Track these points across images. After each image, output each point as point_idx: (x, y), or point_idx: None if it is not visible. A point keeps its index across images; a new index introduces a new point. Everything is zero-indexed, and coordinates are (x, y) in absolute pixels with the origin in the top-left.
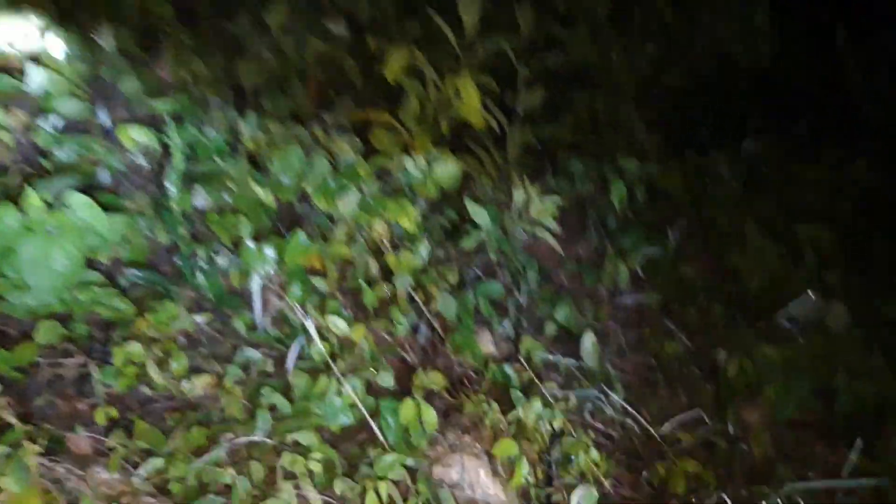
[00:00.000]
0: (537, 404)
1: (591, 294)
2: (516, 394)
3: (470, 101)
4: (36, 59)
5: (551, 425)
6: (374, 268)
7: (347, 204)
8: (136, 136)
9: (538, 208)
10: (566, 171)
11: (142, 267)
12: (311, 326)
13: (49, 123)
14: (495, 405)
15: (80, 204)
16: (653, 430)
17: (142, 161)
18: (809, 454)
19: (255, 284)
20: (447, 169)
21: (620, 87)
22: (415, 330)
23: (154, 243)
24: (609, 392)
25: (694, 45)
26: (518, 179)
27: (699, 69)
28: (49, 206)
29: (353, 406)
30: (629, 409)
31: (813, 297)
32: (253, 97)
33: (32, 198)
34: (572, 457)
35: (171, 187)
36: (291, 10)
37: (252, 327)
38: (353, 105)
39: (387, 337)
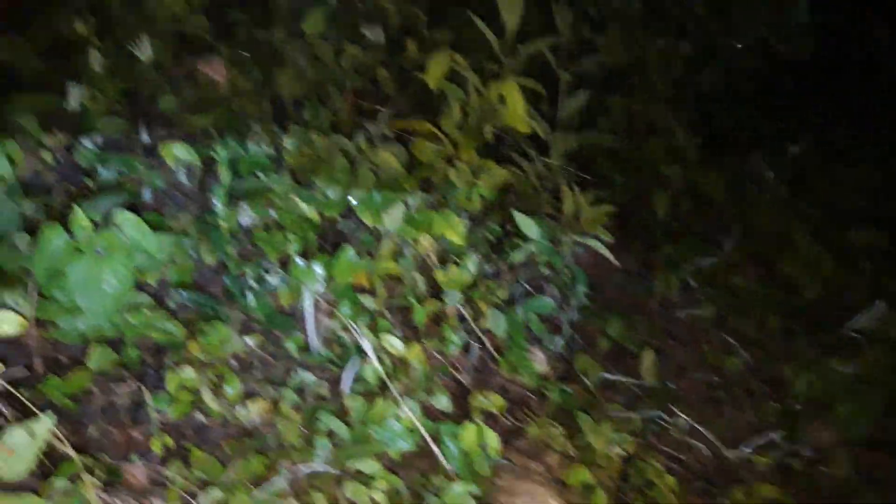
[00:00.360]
0: (606, 427)
1: (641, 308)
2: (582, 416)
3: (515, 106)
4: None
5: (623, 449)
6: (421, 284)
7: (393, 218)
8: (179, 153)
9: (589, 217)
10: (607, 178)
11: (188, 288)
12: (368, 347)
13: (90, 142)
14: (560, 428)
15: (129, 223)
16: (725, 453)
17: (184, 178)
18: (891, 476)
19: (307, 303)
20: (492, 179)
21: (656, 90)
22: (466, 349)
23: (199, 263)
24: (674, 412)
25: (731, 43)
26: (567, 187)
27: (737, 67)
28: (96, 225)
29: (412, 430)
30: (699, 429)
31: (881, 306)
32: (293, 109)
33: (80, 218)
34: (647, 483)
35: (218, 204)
36: (328, 17)
37: (304, 348)
38: (394, 114)
39: (438, 356)
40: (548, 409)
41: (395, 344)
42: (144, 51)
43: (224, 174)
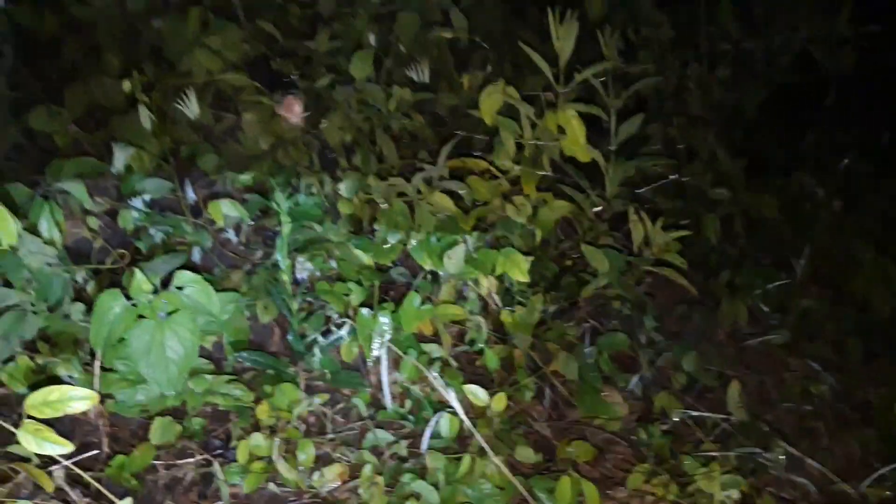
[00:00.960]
0: (716, 471)
1: (710, 337)
2: (687, 460)
3: (574, 135)
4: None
5: (739, 492)
6: (486, 328)
7: (454, 260)
8: (227, 210)
9: (661, 244)
10: (654, 205)
11: (246, 347)
12: (452, 398)
13: (137, 203)
14: (664, 475)
15: (192, 283)
16: (834, 487)
17: (231, 236)
18: None
19: (376, 356)
20: (552, 212)
21: (695, 114)
22: (539, 394)
23: (254, 321)
24: (771, 447)
25: (770, 60)
26: (635, 214)
27: (778, 84)
28: (155, 289)
29: (503, 488)
30: (802, 464)
31: None
32: (342, 155)
33: (141, 281)
34: None
35: (281, 259)
36: (373, 60)
37: (373, 404)
38: (448, 153)
39: (511, 404)
40: (640, 454)
41: (478, 393)
42: (191, 108)
43: (286, 227)
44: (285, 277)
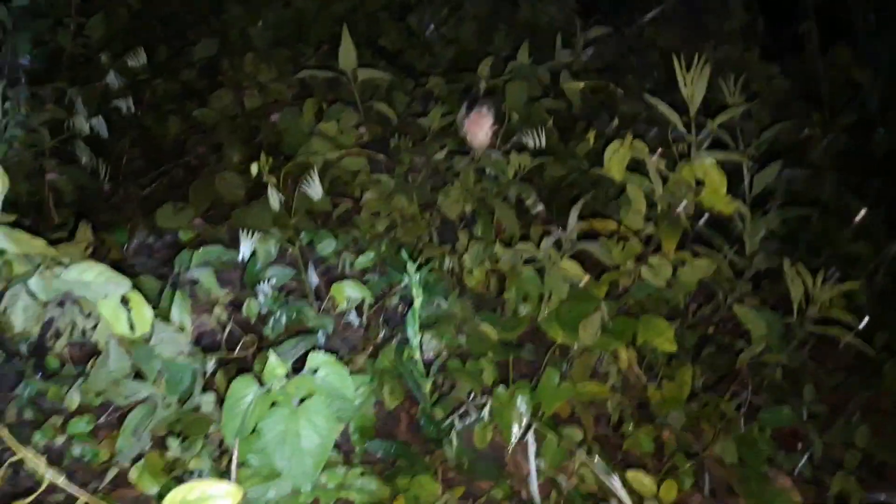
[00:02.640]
0: None
1: (877, 405)
2: None
3: (715, 186)
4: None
5: None
6: (629, 405)
7: (590, 331)
8: (351, 292)
9: (825, 300)
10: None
11: (372, 436)
12: (616, 486)
13: (262, 289)
14: None
15: (325, 364)
16: None
17: (353, 318)
18: None
19: (518, 442)
20: (693, 272)
21: (821, 164)
22: (696, 481)
23: (379, 406)
24: None
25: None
26: (791, 270)
27: None
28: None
29: None
30: None
31: None
32: (462, 226)
33: (275, 365)
34: None
35: (412, 335)
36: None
37: (513, 497)
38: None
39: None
40: None
41: (643, 481)
42: (314, 189)
43: (417, 300)
44: (417, 356)
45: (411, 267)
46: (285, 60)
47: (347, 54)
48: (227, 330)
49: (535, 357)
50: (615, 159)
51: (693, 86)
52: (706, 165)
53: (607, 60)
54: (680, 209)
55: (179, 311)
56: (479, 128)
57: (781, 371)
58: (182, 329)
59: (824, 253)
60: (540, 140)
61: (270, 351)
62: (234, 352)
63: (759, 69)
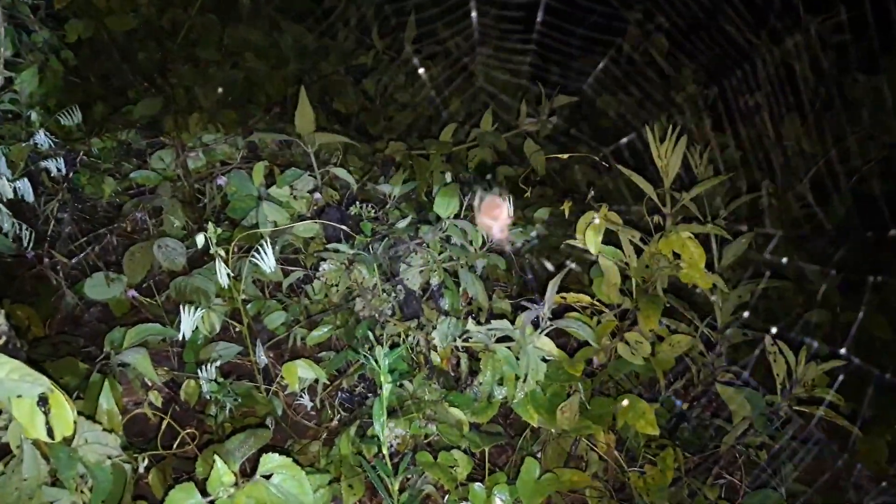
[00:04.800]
0: None
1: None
2: None
3: (693, 260)
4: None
5: None
6: (609, 493)
7: (569, 414)
8: (303, 373)
9: (809, 378)
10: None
11: None
12: None
13: (205, 371)
14: None
15: (280, 468)
16: None
17: (305, 401)
18: None
19: None
20: (672, 349)
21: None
22: None
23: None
24: None
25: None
26: (773, 346)
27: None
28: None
29: None
30: None
31: None
32: (426, 298)
33: (222, 472)
34: None
35: (378, 427)
36: None
37: None
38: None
39: None
40: None
41: None
42: (267, 261)
43: (385, 387)
44: (384, 451)
45: (379, 349)
46: (233, 122)
47: (304, 117)
48: (165, 420)
49: (508, 438)
50: (591, 232)
51: (668, 158)
52: (683, 239)
53: (562, 128)
54: (657, 284)
55: (107, 403)
56: (493, 217)
57: (767, 452)
58: (110, 425)
59: (781, 322)
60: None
61: (215, 455)
62: (171, 447)
63: (711, 139)
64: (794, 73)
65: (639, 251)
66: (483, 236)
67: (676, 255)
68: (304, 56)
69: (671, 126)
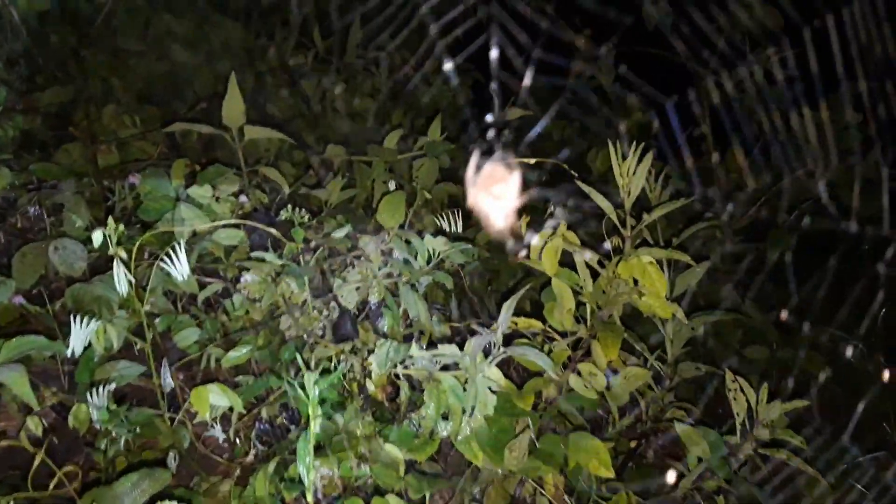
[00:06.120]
0: None
1: None
2: None
3: (655, 288)
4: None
5: None
6: None
7: (517, 454)
8: (215, 400)
9: (768, 419)
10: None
11: None
12: None
13: (98, 395)
14: None
15: None
16: None
17: (217, 432)
18: None
19: None
20: (628, 384)
21: (718, 268)
22: None
23: None
24: None
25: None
26: (734, 382)
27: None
28: None
29: None
30: None
31: None
32: (362, 319)
33: None
34: None
35: (304, 470)
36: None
37: None
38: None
39: None
40: None
41: None
42: (180, 268)
43: (314, 422)
44: (308, 496)
45: (308, 375)
46: (153, 118)
47: (233, 108)
48: (42, 450)
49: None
50: (549, 254)
51: (630, 177)
52: (644, 264)
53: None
54: (614, 312)
55: None
56: (496, 196)
57: (725, 497)
58: None
59: (725, 360)
60: (456, 224)
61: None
62: (47, 489)
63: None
64: (742, 104)
65: (595, 275)
66: (429, 251)
67: (635, 281)
68: (237, 53)
69: (634, 143)
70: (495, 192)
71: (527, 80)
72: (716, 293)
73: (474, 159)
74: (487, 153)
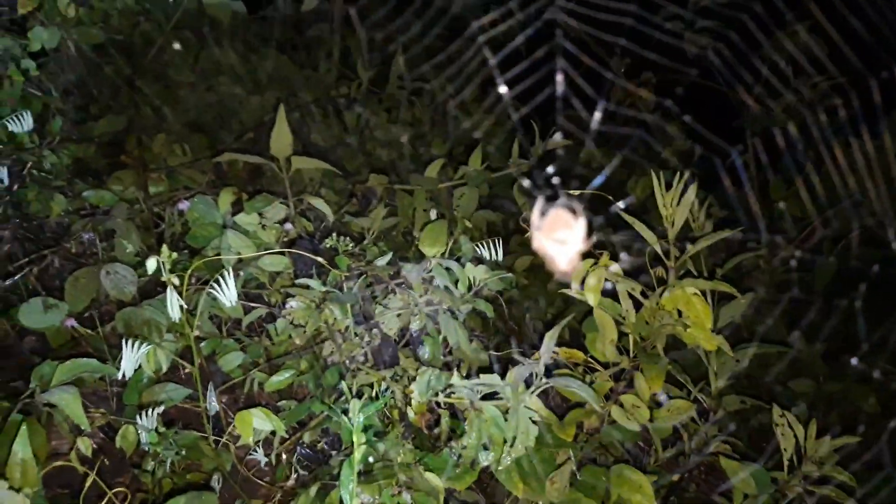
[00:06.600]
0: None
1: None
2: None
3: (700, 319)
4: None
5: None
6: None
7: (559, 485)
8: (259, 424)
9: (816, 455)
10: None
11: None
12: None
13: (147, 416)
14: None
15: None
16: None
17: (259, 455)
18: None
19: None
20: (671, 416)
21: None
22: None
23: None
24: None
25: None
26: (781, 418)
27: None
28: None
29: None
30: None
31: None
32: (402, 345)
33: None
34: None
35: (347, 497)
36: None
37: None
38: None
39: None
40: None
41: None
42: (228, 294)
43: (358, 450)
44: None
45: (354, 403)
46: (202, 146)
47: (281, 138)
48: (94, 471)
49: None
50: (593, 285)
51: (674, 207)
52: (689, 295)
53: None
54: (658, 343)
55: (23, 452)
56: (560, 242)
57: None
58: (22, 481)
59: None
60: (496, 252)
61: None
62: None
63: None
64: (784, 134)
65: (637, 305)
66: (469, 279)
67: (678, 312)
68: (283, 84)
69: (678, 174)
70: (560, 237)
71: (593, 125)
72: (760, 324)
73: (539, 204)
74: (551, 198)
